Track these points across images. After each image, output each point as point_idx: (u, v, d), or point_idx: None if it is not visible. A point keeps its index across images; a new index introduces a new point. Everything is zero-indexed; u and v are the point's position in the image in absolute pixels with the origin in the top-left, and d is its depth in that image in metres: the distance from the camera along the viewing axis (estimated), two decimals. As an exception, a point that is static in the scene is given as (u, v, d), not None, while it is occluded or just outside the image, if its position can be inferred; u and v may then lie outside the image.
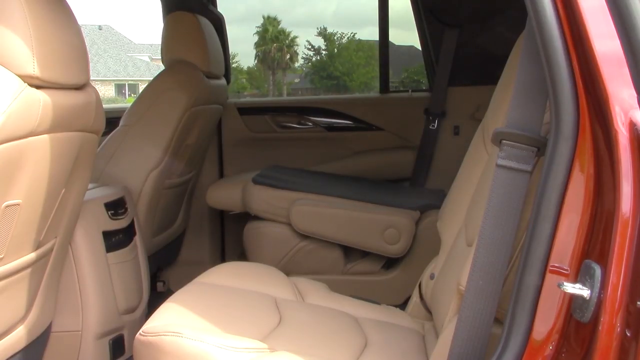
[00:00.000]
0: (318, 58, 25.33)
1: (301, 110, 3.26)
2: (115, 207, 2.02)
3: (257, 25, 26.94)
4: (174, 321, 1.37)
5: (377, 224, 2.38)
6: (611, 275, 0.87)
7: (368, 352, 1.44)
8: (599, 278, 0.89)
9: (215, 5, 3.12)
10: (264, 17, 26.35)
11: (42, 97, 1.33)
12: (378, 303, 1.79)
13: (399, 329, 1.63)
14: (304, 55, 26.97)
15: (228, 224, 3.15)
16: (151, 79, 2.48)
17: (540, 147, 1.07)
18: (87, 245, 1.84)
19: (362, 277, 2.53)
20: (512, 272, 1.08)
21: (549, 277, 0.98)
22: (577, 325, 0.95)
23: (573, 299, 0.95)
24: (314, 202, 2.47)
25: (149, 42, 37.60)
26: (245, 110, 3.18)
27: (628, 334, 0.86)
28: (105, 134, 2.02)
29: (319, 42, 24.71)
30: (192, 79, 2.44)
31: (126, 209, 2.08)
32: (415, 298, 1.80)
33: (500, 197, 1.07)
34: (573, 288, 0.92)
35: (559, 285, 0.93)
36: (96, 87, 1.64)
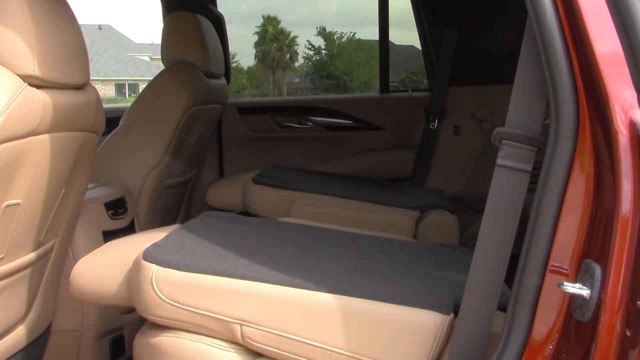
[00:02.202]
0: (318, 58, 25.33)
1: (301, 110, 3.26)
2: (115, 206, 2.02)
3: (257, 25, 26.95)
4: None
5: (377, 223, 2.38)
6: (611, 274, 0.87)
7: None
8: (599, 278, 0.89)
9: (215, 5, 3.13)
10: (263, 17, 26.36)
11: (42, 97, 1.33)
12: None
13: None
14: (304, 55, 26.97)
15: (228, 223, 3.15)
16: (151, 78, 2.48)
17: (540, 147, 1.07)
18: (87, 245, 1.84)
19: None
20: None
21: (549, 276, 0.98)
22: (577, 324, 0.95)
23: (573, 298, 0.95)
24: (314, 201, 2.47)
25: (149, 41, 37.68)
26: (245, 110, 3.19)
27: (628, 334, 0.86)
28: (105, 133, 2.02)
29: (319, 42, 24.73)
30: (192, 79, 2.44)
31: (126, 209, 2.08)
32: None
33: (500, 197, 1.07)
34: (573, 288, 0.92)
35: (559, 285, 0.93)
36: (96, 86, 1.65)
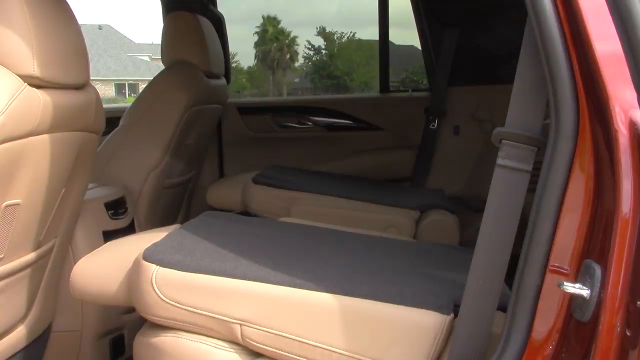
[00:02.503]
0: (318, 58, 25.30)
1: (301, 110, 3.26)
2: (116, 206, 2.02)
3: (257, 25, 26.92)
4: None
5: (377, 223, 2.38)
6: (611, 274, 0.87)
7: None
8: (599, 278, 0.89)
9: (215, 5, 3.13)
10: (263, 17, 26.33)
11: (42, 97, 1.33)
12: None
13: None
14: (304, 55, 26.94)
15: (228, 223, 3.15)
16: (151, 78, 2.48)
17: (540, 147, 1.07)
18: (87, 245, 1.84)
19: None
20: None
21: (549, 276, 0.98)
22: (577, 324, 0.95)
23: (573, 298, 0.95)
24: (314, 201, 2.47)
25: (149, 41, 37.66)
26: (245, 110, 3.19)
27: (628, 334, 0.86)
28: (105, 134, 2.02)
29: (319, 42, 24.70)
30: (192, 79, 2.44)
31: (126, 209, 2.08)
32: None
33: (500, 197, 1.07)
34: (573, 288, 0.92)
35: (559, 285, 0.93)
36: (96, 86, 1.65)
